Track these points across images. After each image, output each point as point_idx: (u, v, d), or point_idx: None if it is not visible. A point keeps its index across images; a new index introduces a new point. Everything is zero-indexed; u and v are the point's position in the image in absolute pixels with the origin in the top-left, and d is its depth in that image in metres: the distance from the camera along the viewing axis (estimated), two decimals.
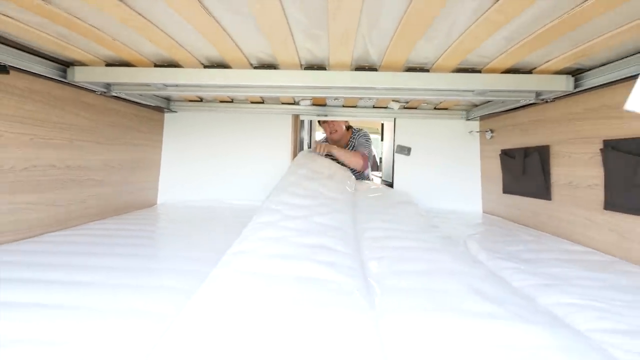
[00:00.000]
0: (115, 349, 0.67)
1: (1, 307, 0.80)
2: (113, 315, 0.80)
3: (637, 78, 1.27)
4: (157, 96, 2.35)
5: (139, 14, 1.08)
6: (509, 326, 0.74)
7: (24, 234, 1.46)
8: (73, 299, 0.86)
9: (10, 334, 0.69)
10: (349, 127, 2.89)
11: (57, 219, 1.65)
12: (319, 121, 2.89)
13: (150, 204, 2.54)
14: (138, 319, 0.78)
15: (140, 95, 2.12)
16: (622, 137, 1.36)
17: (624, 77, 1.29)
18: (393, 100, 2.42)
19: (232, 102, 2.59)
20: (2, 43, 1.29)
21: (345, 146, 2.82)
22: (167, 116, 2.66)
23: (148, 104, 2.30)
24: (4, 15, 1.10)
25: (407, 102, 2.48)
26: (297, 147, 2.82)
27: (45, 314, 0.78)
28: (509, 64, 1.46)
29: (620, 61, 1.29)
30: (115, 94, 1.88)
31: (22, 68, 1.38)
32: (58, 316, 0.78)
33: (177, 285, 0.99)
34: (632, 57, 1.24)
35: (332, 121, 2.74)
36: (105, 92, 1.83)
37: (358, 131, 2.89)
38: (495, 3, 0.95)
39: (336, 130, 2.76)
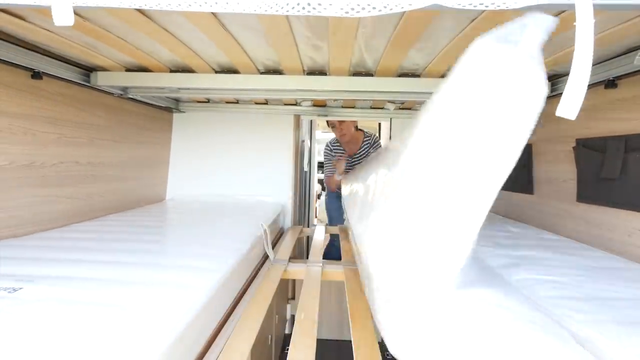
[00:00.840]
0: (159, 311, 0.82)
1: (59, 279, 0.95)
2: (151, 286, 0.95)
3: (601, 84, 1.43)
4: (168, 97, 2.50)
5: (164, 28, 1.23)
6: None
7: (52, 224, 1.61)
8: (116, 274, 1.02)
9: (72, 297, 0.85)
10: (357, 128, 2.96)
11: (80, 211, 1.80)
12: (328, 123, 2.95)
13: (160, 199, 2.70)
14: (168, 288, 0.94)
15: (153, 97, 2.27)
16: (591, 137, 1.52)
17: (591, 83, 1.45)
18: (389, 102, 2.58)
19: (237, 102, 2.74)
20: (38, 52, 1.44)
21: (359, 150, 2.89)
22: (176, 116, 2.81)
23: (158, 104, 2.46)
24: (43, 28, 1.25)
25: (402, 103, 2.63)
26: (299, 146, 2.97)
27: (91, 285, 0.93)
28: None
29: None
30: (132, 97, 2.03)
31: (53, 74, 1.53)
32: (108, 286, 0.93)
33: (192, 264, 1.15)
34: (597, 65, 1.39)
35: (340, 124, 2.79)
36: (122, 95, 1.98)
37: (369, 137, 2.92)
38: (471, 22, 1.10)
39: (345, 134, 2.83)
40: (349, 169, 2.87)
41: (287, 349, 2.69)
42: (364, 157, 2.89)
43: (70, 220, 1.72)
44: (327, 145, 3.08)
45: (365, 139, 2.93)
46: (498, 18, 1.04)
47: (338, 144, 2.96)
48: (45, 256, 1.15)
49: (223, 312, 1.16)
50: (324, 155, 3.08)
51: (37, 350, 0.63)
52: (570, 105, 0.71)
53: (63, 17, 0.67)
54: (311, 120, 3.58)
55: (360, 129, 3.00)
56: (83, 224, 1.68)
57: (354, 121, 2.91)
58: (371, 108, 2.82)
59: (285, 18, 1.11)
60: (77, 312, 0.77)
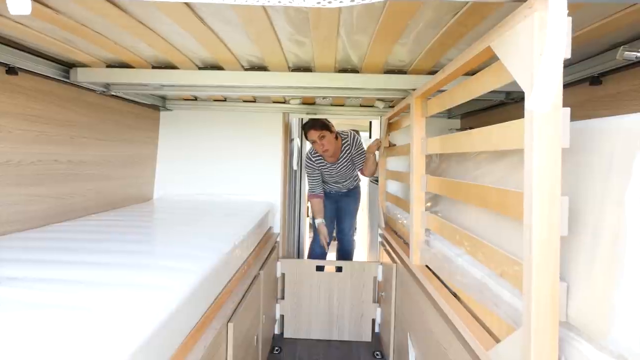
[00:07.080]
0: (127, 314, 0.79)
1: (27, 281, 0.92)
2: (123, 288, 0.91)
3: (586, 81, 1.42)
4: (153, 95, 2.46)
5: (140, 22, 1.20)
6: None
7: (30, 224, 1.57)
8: (89, 275, 0.98)
9: (37, 300, 0.81)
10: (337, 136, 2.71)
11: (60, 211, 1.76)
12: (306, 138, 2.66)
13: (147, 198, 2.66)
14: (144, 290, 0.91)
15: (137, 94, 2.23)
16: None
17: (574, 80, 1.44)
18: (378, 100, 2.56)
19: (225, 100, 2.70)
20: (12, 47, 1.40)
21: (340, 156, 2.72)
22: (163, 114, 2.77)
23: (144, 102, 2.42)
24: (16, 22, 1.21)
25: (391, 101, 2.62)
26: (288, 143, 2.94)
27: (60, 287, 0.90)
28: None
29: (568, 67, 1.43)
30: (114, 94, 1.99)
31: (29, 69, 1.49)
32: (78, 288, 0.89)
33: (174, 265, 1.12)
34: (581, 62, 1.38)
35: (321, 140, 2.54)
36: (104, 92, 1.94)
37: (346, 138, 2.74)
38: (455, 15, 1.09)
39: (327, 149, 2.58)
40: (329, 177, 2.83)
41: (276, 349, 2.66)
42: (347, 160, 2.74)
43: (49, 220, 1.67)
44: (307, 157, 2.80)
45: (344, 143, 2.69)
46: (483, 11, 1.03)
47: (318, 154, 2.71)
48: (16, 257, 1.11)
49: (201, 313, 1.14)
50: (306, 168, 2.82)
51: None
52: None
53: (18, 6, 0.64)
54: (301, 119, 3.56)
55: (338, 136, 2.71)
56: (62, 224, 1.64)
57: (334, 132, 2.62)
58: (361, 106, 2.80)
59: (263, 12, 1.08)
60: (39, 315, 0.74)
